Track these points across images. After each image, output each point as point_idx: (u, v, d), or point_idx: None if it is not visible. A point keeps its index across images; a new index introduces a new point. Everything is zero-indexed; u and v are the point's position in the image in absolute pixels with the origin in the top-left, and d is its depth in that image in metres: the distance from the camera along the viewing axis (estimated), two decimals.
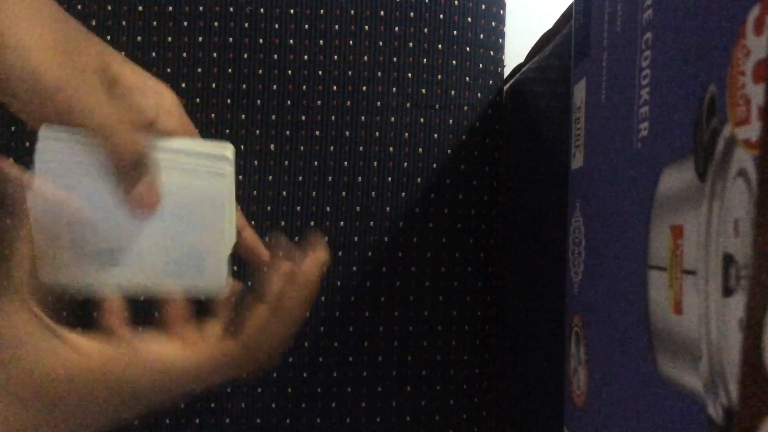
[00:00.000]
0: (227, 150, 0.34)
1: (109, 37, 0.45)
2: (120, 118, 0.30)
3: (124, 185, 0.31)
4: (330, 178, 0.45)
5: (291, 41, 0.45)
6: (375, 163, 0.46)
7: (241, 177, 0.45)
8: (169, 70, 0.45)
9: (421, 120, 0.46)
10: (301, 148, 0.45)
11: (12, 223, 0.31)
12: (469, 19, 0.47)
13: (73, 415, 0.29)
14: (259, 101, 0.45)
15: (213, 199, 0.33)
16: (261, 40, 0.45)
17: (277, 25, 0.45)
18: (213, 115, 0.45)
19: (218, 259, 0.33)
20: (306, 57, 0.45)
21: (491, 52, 0.48)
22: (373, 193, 0.46)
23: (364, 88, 0.46)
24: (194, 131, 0.36)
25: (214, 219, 0.33)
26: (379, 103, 0.46)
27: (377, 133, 0.46)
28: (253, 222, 0.45)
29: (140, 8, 0.45)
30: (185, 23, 0.45)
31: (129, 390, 0.30)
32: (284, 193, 0.45)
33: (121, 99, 0.31)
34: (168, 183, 0.32)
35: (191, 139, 0.34)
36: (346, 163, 0.46)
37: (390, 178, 0.46)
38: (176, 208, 0.33)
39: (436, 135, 0.46)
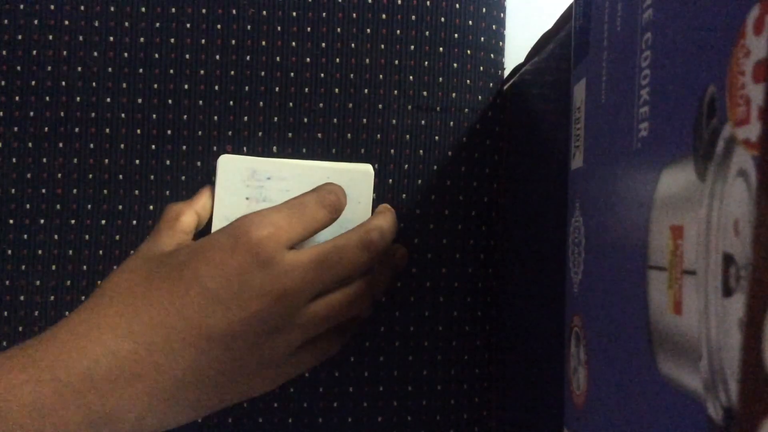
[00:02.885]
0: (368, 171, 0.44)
1: (111, 38, 0.45)
2: None
3: None
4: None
5: (293, 43, 0.45)
6: (376, 165, 0.46)
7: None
8: (171, 71, 0.45)
9: (422, 122, 0.46)
10: (304, 150, 0.45)
11: None
12: (470, 22, 0.47)
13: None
14: (261, 103, 0.45)
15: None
16: (263, 42, 0.45)
17: (279, 28, 0.45)
18: (215, 117, 0.45)
19: None
20: (308, 59, 0.45)
21: (491, 55, 0.48)
22: (374, 194, 0.46)
23: (366, 90, 0.46)
24: None
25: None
26: (380, 106, 0.46)
27: (378, 135, 0.46)
28: None
29: (143, 9, 0.45)
30: (188, 25, 0.45)
31: None
32: None
33: None
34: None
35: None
36: None
37: (391, 180, 0.46)
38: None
39: (437, 137, 0.46)
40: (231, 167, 0.42)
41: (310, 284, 0.34)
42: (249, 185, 0.42)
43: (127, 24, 0.45)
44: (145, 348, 0.31)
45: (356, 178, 0.43)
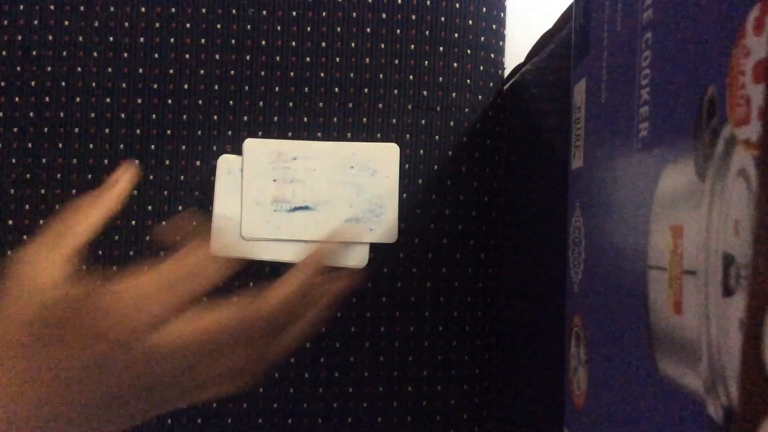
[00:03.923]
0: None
1: (111, 39, 0.45)
2: None
3: None
4: None
5: (293, 43, 0.45)
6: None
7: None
8: (171, 71, 0.45)
9: (423, 122, 0.46)
10: None
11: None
12: (470, 22, 0.47)
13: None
14: (261, 103, 0.45)
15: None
16: (263, 42, 0.45)
17: (279, 27, 0.45)
18: (215, 117, 0.45)
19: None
20: (308, 59, 0.45)
21: (492, 55, 0.48)
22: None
23: (366, 90, 0.46)
24: None
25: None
26: (380, 105, 0.46)
27: (379, 135, 0.46)
28: None
29: (143, 9, 0.45)
30: (187, 25, 0.45)
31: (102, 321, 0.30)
32: None
33: None
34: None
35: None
36: None
37: None
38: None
39: (437, 137, 0.46)
40: (257, 150, 0.43)
41: None
42: (275, 167, 0.42)
43: (127, 24, 0.45)
44: None
45: (382, 155, 0.44)
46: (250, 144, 0.43)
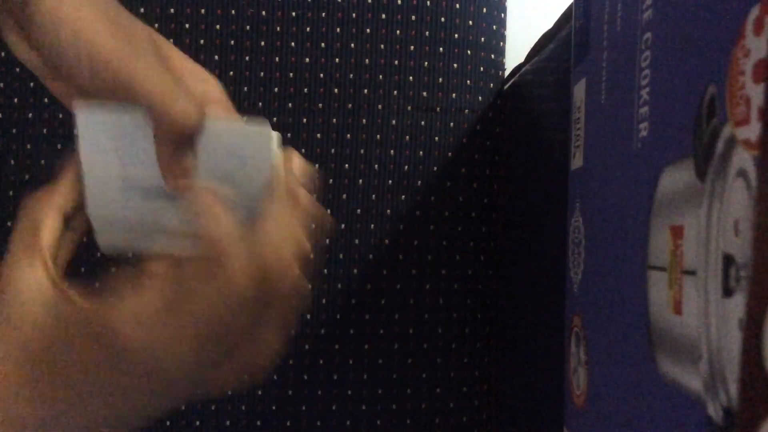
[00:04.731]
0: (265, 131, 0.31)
1: None
2: (175, 89, 0.29)
3: (169, 158, 0.30)
4: (331, 180, 0.45)
5: (292, 44, 0.45)
6: (376, 166, 0.46)
7: None
8: None
9: (422, 122, 0.46)
10: (303, 150, 0.45)
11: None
12: (470, 23, 0.47)
13: (68, 377, 0.28)
14: (260, 104, 0.45)
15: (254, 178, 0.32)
16: (263, 43, 0.45)
17: (278, 28, 0.45)
18: None
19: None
20: (307, 60, 0.45)
21: (492, 55, 0.48)
22: (374, 195, 0.46)
23: (366, 90, 0.46)
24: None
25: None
26: (380, 106, 0.46)
27: (378, 136, 0.46)
28: None
29: (141, 10, 0.45)
30: (186, 25, 0.45)
31: (114, 339, 0.27)
32: None
33: (172, 77, 0.30)
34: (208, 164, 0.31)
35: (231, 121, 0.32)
36: (347, 165, 0.46)
37: (390, 181, 0.46)
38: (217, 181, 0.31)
39: (436, 137, 0.46)
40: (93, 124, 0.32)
41: None
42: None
43: None
44: None
45: (244, 143, 0.31)
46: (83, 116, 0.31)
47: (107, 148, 0.32)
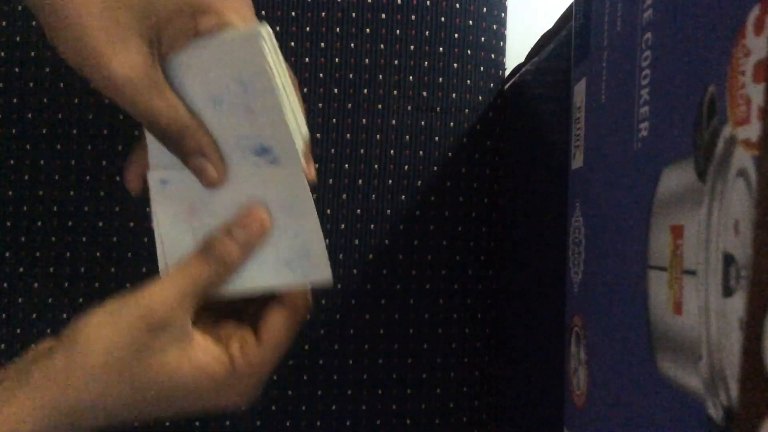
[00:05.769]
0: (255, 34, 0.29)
1: None
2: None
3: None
4: (331, 180, 0.45)
5: (292, 44, 0.45)
6: (375, 166, 0.46)
7: None
8: None
9: (422, 122, 0.46)
10: None
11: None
12: (470, 22, 0.47)
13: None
14: None
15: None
16: None
17: (278, 28, 0.45)
18: None
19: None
20: (307, 60, 0.45)
21: (492, 55, 0.48)
22: (374, 195, 0.46)
23: (365, 90, 0.46)
24: None
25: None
26: (380, 106, 0.46)
27: (378, 136, 0.46)
28: None
29: None
30: None
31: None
32: None
33: None
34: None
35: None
36: (346, 165, 0.46)
37: (390, 181, 0.46)
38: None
39: (436, 137, 0.46)
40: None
41: None
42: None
43: None
44: None
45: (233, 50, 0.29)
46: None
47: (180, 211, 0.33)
